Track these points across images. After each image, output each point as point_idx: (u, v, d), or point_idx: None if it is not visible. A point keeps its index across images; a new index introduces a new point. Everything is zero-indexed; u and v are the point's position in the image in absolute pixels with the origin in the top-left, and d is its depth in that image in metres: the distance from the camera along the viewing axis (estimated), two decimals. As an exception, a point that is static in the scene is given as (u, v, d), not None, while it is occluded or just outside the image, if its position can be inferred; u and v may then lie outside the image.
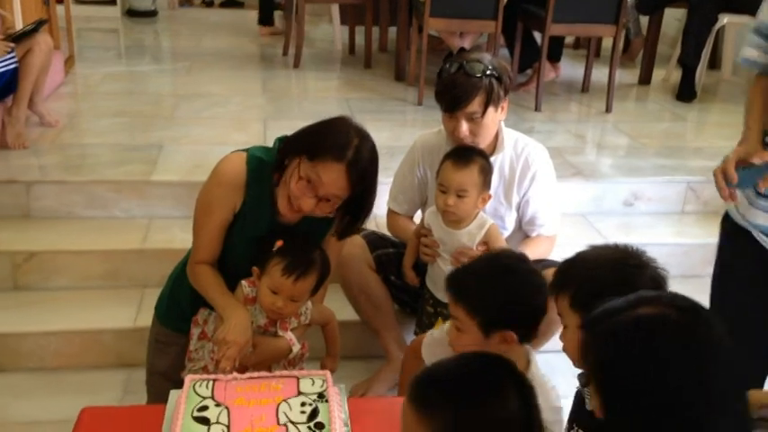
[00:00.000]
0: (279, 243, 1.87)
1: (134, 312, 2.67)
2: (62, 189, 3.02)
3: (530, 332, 1.64)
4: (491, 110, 2.31)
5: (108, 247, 2.87)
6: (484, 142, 2.37)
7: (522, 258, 1.72)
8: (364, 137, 1.86)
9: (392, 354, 2.58)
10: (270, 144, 2.00)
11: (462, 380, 1.10)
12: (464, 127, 2.31)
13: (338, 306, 2.63)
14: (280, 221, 1.94)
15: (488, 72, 2.29)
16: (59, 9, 4.51)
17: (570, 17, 4.10)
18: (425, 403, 1.09)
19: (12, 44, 3.23)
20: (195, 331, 1.99)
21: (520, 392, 1.10)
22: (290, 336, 1.93)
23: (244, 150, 1.96)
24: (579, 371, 1.41)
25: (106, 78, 4.54)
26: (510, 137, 2.47)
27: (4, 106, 3.32)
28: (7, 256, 2.78)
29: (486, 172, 2.26)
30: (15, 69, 3.26)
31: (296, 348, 1.93)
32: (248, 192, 1.91)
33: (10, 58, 3.23)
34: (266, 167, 1.91)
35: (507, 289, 1.61)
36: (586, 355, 1.08)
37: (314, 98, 4.44)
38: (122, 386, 2.52)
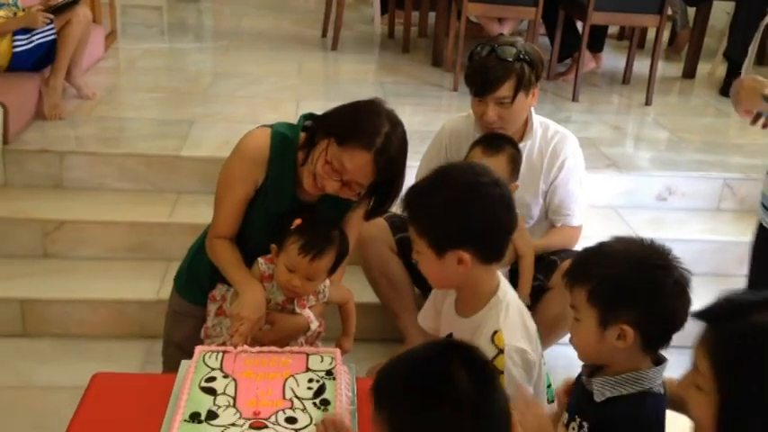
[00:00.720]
0: (297, 221, 1.86)
1: (158, 285, 2.70)
2: (94, 160, 3.06)
3: (490, 252, 1.53)
4: (521, 95, 2.27)
5: (136, 219, 2.90)
6: (513, 128, 2.33)
7: (480, 171, 1.56)
8: (395, 123, 1.83)
9: (411, 337, 2.56)
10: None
11: (410, 371, 1.07)
12: (493, 112, 2.27)
13: (358, 288, 2.63)
14: (301, 199, 1.94)
15: (521, 56, 2.25)
16: (103, -13, 4.56)
17: (612, 6, 4.01)
18: (379, 400, 1.07)
19: (51, 15, 3.27)
20: (212, 307, 1.99)
21: (470, 374, 1.05)
22: (308, 313, 1.92)
23: (269, 126, 1.96)
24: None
25: (146, 54, 4.59)
26: (539, 124, 2.43)
27: (41, 77, 3.36)
28: (38, 223, 2.84)
29: (515, 162, 2.22)
30: (54, 41, 3.31)
31: (314, 326, 1.92)
32: (271, 167, 1.91)
33: (49, 30, 3.28)
34: (290, 144, 1.91)
35: (450, 201, 1.49)
36: (709, 349, 1.06)
37: (349, 81, 4.42)
38: (143, 356, 2.55)
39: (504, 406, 1.07)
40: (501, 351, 1.49)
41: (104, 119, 3.44)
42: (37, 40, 3.28)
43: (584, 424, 1.37)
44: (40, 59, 3.34)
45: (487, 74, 2.24)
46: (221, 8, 6.14)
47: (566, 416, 1.42)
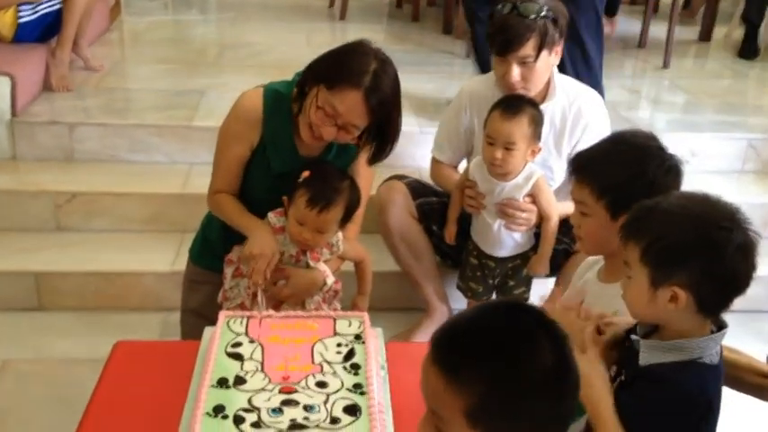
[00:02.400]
0: (305, 173, 1.84)
1: (173, 256, 2.66)
2: (105, 131, 3.01)
3: None
4: (545, 54, 2.20)
5: (149, 190, 2.86)
6: (535, 89, 2.26)
7: (650, 136, 1.59)
8: (384, 60, 1.80)
9: (433, 306, 2.52)
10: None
11: (493, 335, 0.98)
12: (515, 72, 2.21)
13: (378, 256, 2.57)
14: (302, 155, 1.92)
15: (543, 13, 2.18)
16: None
17: (628, -35, 3.91)
18: (454, 367, 0.97)
19: (55, -17, 3.20)
20: (229, 270, 1.96)
21: (552, 340, 0.99)
22: (323, 267, 1.89)
23: (263, 86, 1.95)
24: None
25: (151, 27, 4.52)
26: (562, 84, 2.36)
27: (48, 48, 3.30)
28: (49, 196, 2.79)
29: (537, 123, 2.16)
30: (59, 11, 3.24)
31: (330, 281, 1.90)
32: (267, 125, 1.90)
33: (54, -1, 3.22)
34: (285, 100, 1.90)
35: (634, 164, 1.49)
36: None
37: (359, 49, 4.33)
38: (160, 328, 2.52)
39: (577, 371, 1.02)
40: None
41: (113, 90, 3.38)
42: (42, 10, 3.22)
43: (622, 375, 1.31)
44: (45, 30, 3.28)
45: (509, 32, 2.17)
46: (225, -19, 6.05)
47: (614, 368, 1.36)
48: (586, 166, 1.56)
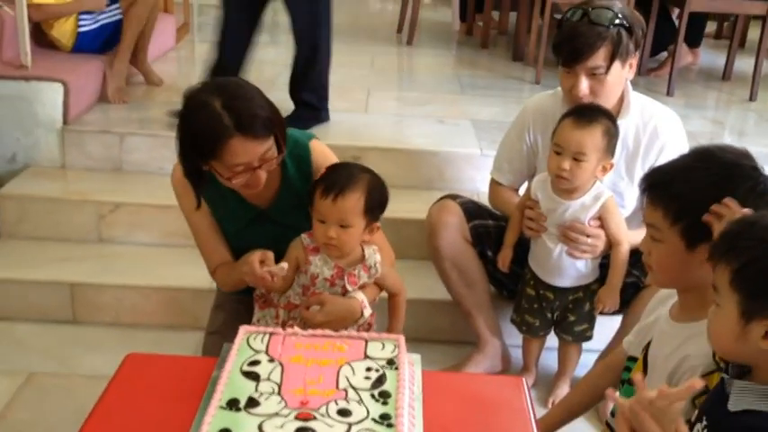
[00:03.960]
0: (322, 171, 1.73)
1: (212, 273, 2.53)
2: (155, 143, 2.93)
3: None
4: (617, 65, 2.00)
5: (194, 204, 2.75)
6: (607, 104, 2.06)
7: (744, 153, 1.36)
8: (221, 89, 1.60)
9: (484, 339, 2.31)
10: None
11: None
12: (584, 84, 2.01)
13: (428, 284, 2.40)
14: (252, 204, 1.79)
15: (617, 21, 1.99)
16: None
17: (714, -10, 3.68)
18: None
19: (115, -7, 3.18)
20: (257, 306, 1.85)
21: None
22: (361, 297, 1.73)
23: None
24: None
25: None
26: (638, 101, 2.16)
27: (107, 59, 3.27)
28: (94, 206, 2.73)
29: (612, 135, 1.96)
30: (120, 21, 3.22)
31: (367, 312, 1.74)
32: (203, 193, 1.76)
33: (115, 9, 3.20)
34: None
35: (722, 185, 1.28)
36: None
37: (424, 73, 4.22)
38: (194, 347, 2.37)
39: None
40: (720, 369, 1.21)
41: (169, 104, 3.29)
42: (102, 20, 3.20)
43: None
44: (106, 41, 3.27)
45: (579, 40, 1.99)
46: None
47: (695, 413, 1.14)
48: (662, 184, 1.34)
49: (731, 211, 1.22)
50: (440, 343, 2.42)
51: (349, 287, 1.72)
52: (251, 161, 1.61)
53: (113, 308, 2.51)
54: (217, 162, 1.60)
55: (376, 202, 1.69)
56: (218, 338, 1.85)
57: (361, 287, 1.75)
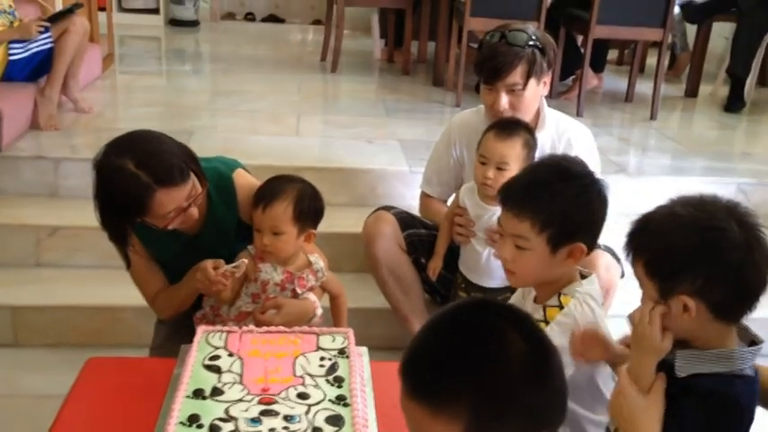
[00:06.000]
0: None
1: (155, 290, 2.58)
2: (89, 167, 2.92)
3: (593, 245, 1.53)
4: (533, 82, 2.20)
5: (133, 226, 2.79)
6: (525, 118, 2.24)
7: (583, 163, 1.59)
8: (129, 149, 1.66)
9: (421, 341, 2.44)
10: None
11: (458, 347, 0.92)
12: (504, 100, 2.20)
13: (366, 295, 2.52)
14: (183, 233, 1.85)
15: (531, 42, 2.19)
16: (101, 16, 4.51)
17: (615, 19, 3.97)
18: (435, 395, 0.91)
19: (46, 23, 3.22)
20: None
21: (516, 326, 0.94)
22: (313, 298, 1.84)
23: None
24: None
25: (144, 75, 4.56)
26: (552, 116, 2.36)
27: (37, 87, 3.29)
28: (31, 230, 2.74)
29: (530, 147, 2.13)
30: (50, 50, 3.25)
31: (319, 312, 1.85)
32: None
33: (46, 38, 3.23)
34: None
35: (579, 194, 1.48)
36: None
37: (349, 98, 4.37)
38: (139, 364, 2.42)
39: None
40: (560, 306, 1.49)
41: (101, 130, 3.35)
42: (33, 48, 3.22)
43: None
44: (36, 69, 3.28)
45: (498, 59, 2.17)
46: (219, 37, 6.14)
47: None
48: (525, 199, 1.50)
49: None
50: (379, 349, 2.52)
51: (299, 290, 1.83)
52: (179, 205, 1.67)
53: (56, 329, 2.52)
54: (148, 217, 1.66)
55: (306, 209, 1.78)
56: (162, 352, 1.92)
57: (309, 290, 1.86)
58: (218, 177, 1.84)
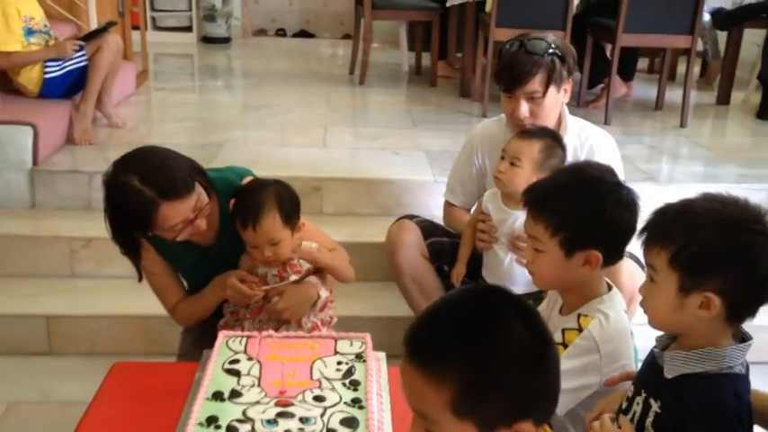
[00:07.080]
0: (232, 201, 1.84)
1: (184, 300, 2.64)
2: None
3: (615, 254, 1.51)
4: (553, 89, 2.21)
5: (163, 237, 2.86)
6: (546, 124, 2.25)
7: (609, 170, 1.56)
8: (134, 165, 1.70)
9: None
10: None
11: (462, 322, 0.96)
12: (524, 107, 2.21)
13: (391, 302, 2.54)
14: (198, 244, 1.89)
15: (551, 50, 2.20)
16: (135, 35, 4.62)
17: (642, 27, 3.96)
18: (430, 361, 0.95)
19: (81, 43, 3.32)
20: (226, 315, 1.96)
21: (522, 316, 0.97)
22: (315, 280, 1.88)
23: None
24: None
25: (177, 91, 4.65)
26: (575, 123, 2.36)
27: (72, 103, 3.40)
28: (65, 242, 2.82)
29: (549, 153, 2.11)
30: (85, 67, 3.35)
31: (323, 293, 1.88)
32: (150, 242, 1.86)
33: (80, 56, 3.33)
34: None
35: (593, 201, 1.46)
36: None
37: (377, 109, 4.43)
38: (168, 371, 2.47)
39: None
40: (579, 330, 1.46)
41: (134, 144, 3.36)
42: (68, 66, 3.32)
43: (651, 401, 1.24)
44: (71, 86, 3.38)
45: (517, 67, 2.19)
46: (251, 53, 6.25)
47: (631, 388, 1.30)
48: (542, 201, 1.51)
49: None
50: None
51: (294, 276, 1.86)
52: (186, 217, 1.71)
53: (88, 338, 2.59)
54: (156, 230, 1.72)
55: (289, 209, 1.81)
56: (188, 359, 1.96)
57: (309, 273, 1.89)
58: (228, 187, 1.88)
